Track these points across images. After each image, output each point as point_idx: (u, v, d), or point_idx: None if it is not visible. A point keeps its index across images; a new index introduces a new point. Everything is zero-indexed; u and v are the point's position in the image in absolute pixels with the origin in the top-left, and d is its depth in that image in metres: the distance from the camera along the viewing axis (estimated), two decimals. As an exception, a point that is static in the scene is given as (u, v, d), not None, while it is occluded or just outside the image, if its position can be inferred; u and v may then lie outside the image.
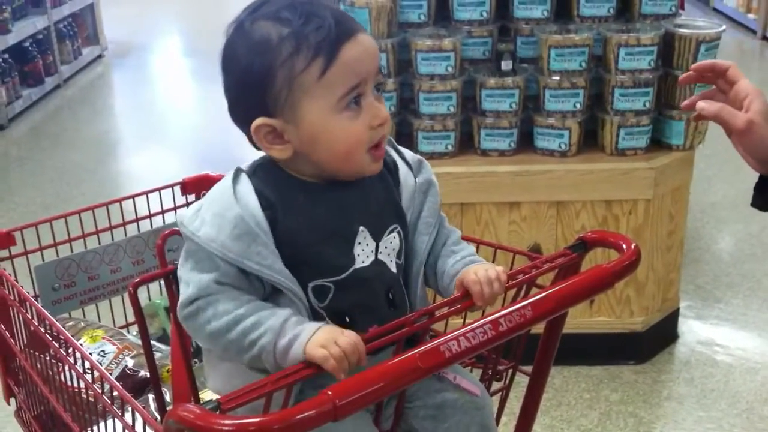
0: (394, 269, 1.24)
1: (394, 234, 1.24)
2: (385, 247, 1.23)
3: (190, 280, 1.16)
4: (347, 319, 1.19)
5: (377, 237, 1.22)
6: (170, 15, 9.02)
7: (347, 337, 1.04)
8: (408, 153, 1.32)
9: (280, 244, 1.16)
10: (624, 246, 1.20)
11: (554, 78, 2.63)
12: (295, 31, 1.15)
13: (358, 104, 1.17)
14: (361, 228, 1.20)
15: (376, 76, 1.19)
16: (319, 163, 1.19)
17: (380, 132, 1.19)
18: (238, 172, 1.21)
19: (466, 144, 2.76)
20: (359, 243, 1.20)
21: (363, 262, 1.20)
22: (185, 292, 1.16)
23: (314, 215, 1.19)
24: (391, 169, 1.28)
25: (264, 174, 1.21)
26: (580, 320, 2.74)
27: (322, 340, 1.05)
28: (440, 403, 1.25)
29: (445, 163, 2.70)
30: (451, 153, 2.72)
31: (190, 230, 1.16)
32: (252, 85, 1.17)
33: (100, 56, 7.38)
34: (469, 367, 1.38)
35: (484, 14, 2.70)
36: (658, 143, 2.75)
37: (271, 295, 1.17)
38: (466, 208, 2.69)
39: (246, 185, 1.18)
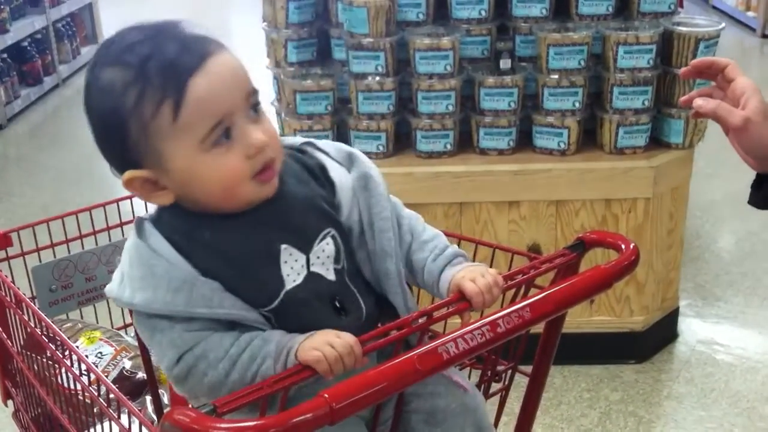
0: (331, 276, 1.16)
1: (327, 240, 1.16)
2: (317, 257, 1.15)
3: (162, 345, 1.10)
4: None
5: (305, 249, 1.15)
6: (169, 15, 9.00)
7: (342, 339, 1.03)
8: (334, 148, 1.23)
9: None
10: (623, 246, 1.20)
11: (553, 76, 2.62)
12: (137, 74, 1.05)
13: (228, 137, 1.07)
14: (283, 246, 1.13)
15: (246, 99, 1.09)
16: (204, 203, 1.11)
17: (261, 159, 1.09)
18: (140, 224, 1.14)
19: (465, 143, 2.75)
20: (285, 261, 1.13)
21: (294, 281, 1.13)
22: (166, 358, 1.11)
23: (226, 250, 1.11)
24: (315, 171, 1.21)
25: (169, 217, 1.13)
26: (579, 319, 2.73)
27: (315, 342, 1.03)
28: (431, 409, 1.22)
29: (444, 162, 2.69)
30: (450, 152, 2.71)
31: (125, 302, 1.11)
32: (109, 137, 1.09)
33: (98, 56, 7.37)
34: (468, 368, 1.38)
35: (483, 13, 2.69)
36: (657, 142, 2.74)
37: (232, 329, 1.11)
38: (465, 208, 2.68)
39: (155, 238, 1.11)
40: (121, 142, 1.08)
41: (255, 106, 1.11)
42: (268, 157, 1.10)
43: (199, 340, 1.09)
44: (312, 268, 1.15)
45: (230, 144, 1.08)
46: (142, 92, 1.05)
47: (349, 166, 1.22)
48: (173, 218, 1.13)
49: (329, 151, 1.23)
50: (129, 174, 1.10)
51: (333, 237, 1.17)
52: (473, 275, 1.15)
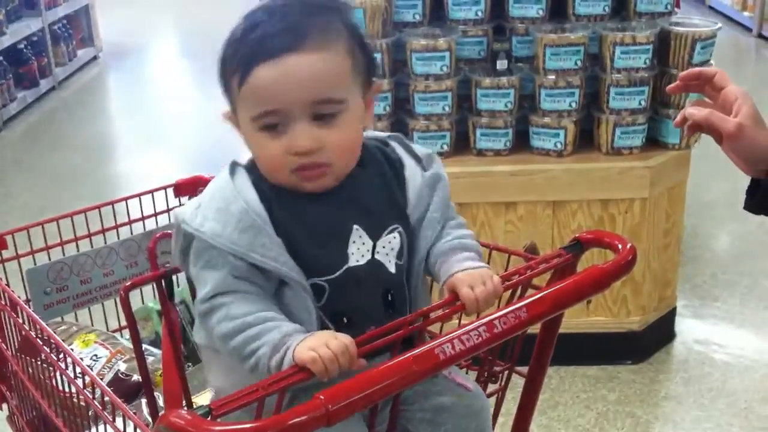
0: (392, 269, 1.21)
1: (395, 234, 1.21)
2: (383, 247, 1.20)
3: (206, 278, 1.15)
4: (345, 320, 1.17)
5: (374, 236, 1.19)
6: (166, 17, 9.01)
7: (338, 340, 1.03)
8: (419, 148, 1.29)
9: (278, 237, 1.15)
10: (620, 246, 1.19)
11: (550, 77, 2.62)
12: (243, 34, 1.15)
13: (277, 129, 1.14)
14: (355, 226, 1.18)
15: (310, 105, 1.13)
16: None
17: (299, 160, 1.14)
18: (234, 166, 1.20)
19: (462, 144, 2.75)
20: (354, 241, 1.18)
21: (357, 261, 1.18)
22: (201, 290, 1.15)
23: (306, 213, 1.17)
24: (396, 167, 1.26)
25: (260, 171, 1.20)
26: (576, 320, 2.73)
27: (311, 343, 1.04)
28: (437, 407, 1.23)
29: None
30: (447, 153, 2.71)
31: (193, 227, 1.15)
32: (219, 74, 1.20)
33: (95, 58, 7.36)
34: (465, 369, 1.37)
35: (479, 13, 2.69)
36: (654, 142, 2.74)
37: (280, 288, 1.16)
38: (463, 209, 2.67)
39: (244, 179, 1.17)
40: (222, 82, 1.19)
41: (321, 115, 1.14)
42: (313, 161, 1.15)
43: (235, 290, 1.13)
44: (376, 256, 1.19)
45: (277, 134, 1.15)
46: (234, 52, 1.15)
47: (427, 165, 1.27)
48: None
49: (414, 148, 1.29)
50: (224, 110, 1.22)
51: (400, 233, 1.22)
52: (473, 281, 1.15)
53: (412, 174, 1.25)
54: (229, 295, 1.13)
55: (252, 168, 1.20)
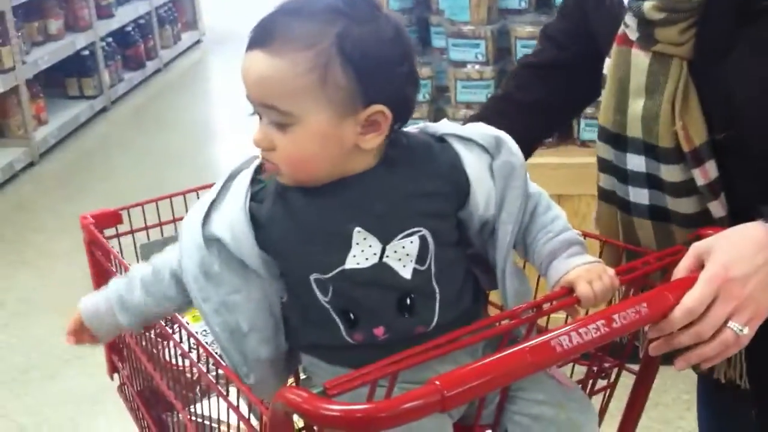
0: (407, 275, 1.14)
1: (413, 238, 1.14)
2: (395, 251, 1.13)
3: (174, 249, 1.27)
4: (351, 316, 1.15)
5: (384, 240, 1.13)
6: (268, 3, 9.15)
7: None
8: (480, 134, 1.19)
9: (265, 246, 1.17)
10: (744, 243, 1.15)
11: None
12: (273, 12, 1.16)
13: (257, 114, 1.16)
14: (357, 228, 1.13)
15: (260, 108, 1.13)
16: None
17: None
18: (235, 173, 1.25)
19: (565, 134, 2.71)
20: (357, 243, 1.13)
21: (358, 263, 1.13)
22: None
23: (304, 215, 1.15)
24: (443, 169, 1.17)
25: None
26: (679, 319, 2.65)
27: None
28: (536, 415, 1.18)
29: (541, 153, 2.64)
30: (547, 144, 2.67)
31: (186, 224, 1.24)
32: None
33: (198, 42, 7.56)
34: (573, 364, 1.35)
35: (589, 1, 2.63)
36: None
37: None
38: (563, 200, 2.63)
39: (234, 198, 1.20)
40: None
41: (273, 122, 1.13)
42: (265, 157, 1.16)
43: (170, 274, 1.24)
44: (385, 260, 1.14)
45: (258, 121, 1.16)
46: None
47: (495, 151, 1.19)
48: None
49: (474, 137, 1.19)
50: None
51: (422, 237, 1.15)
52: (590, 276, 1.11)
53: (477, 169, 1.17)
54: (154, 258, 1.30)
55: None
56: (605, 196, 1.40)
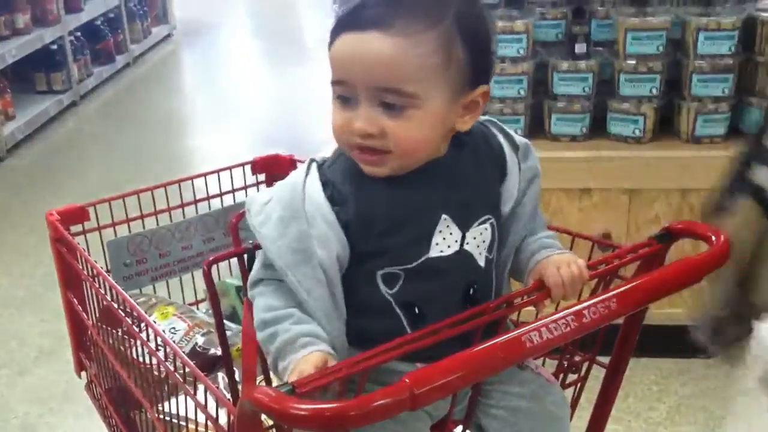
0: (482, 263, 1.16)
1: (486, 225, 1.16)
2: (474, 238, 1.15)
3: (256, 264, 1.17)
4: (416, 310, 1.13)
5: (464, 227, 1.14)
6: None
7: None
8: (516, 136, 1.23)
9: (348, 234, 1.11)
10: (713, 237, 1.15)
11: (630, 62, 2.56)
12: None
13: (347, 102, 1.10)
14: (444, 216, 1.13)
15: (373, 90, 1.07)
16: None
17: (359, 140, 1.09)
18: (310, 163, 1.17)
19: (537, 128, 2.70)
20: (440, 231, 1.12)
21: (442, 251, 1.12)
22: (252, 274, 1.18)
23: (390, 201, 1.12)
24: (497, 155, 1.20)
25: (347, 161, 1.15)
26: (651, 311, 2.66)
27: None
28: (513, 408, 1.19)
29: None
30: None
31: (254, 223, 1.14)
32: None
33: (169, 35, 7.48)
34: (544, 358, 1.35)
35: (559, -5, 2.64)
36: (736, 131, 2.65)
37: (349, 269, 1.14)
38: (535, 194, 2.64)
39: (314, 180, 1.13)
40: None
41: (387, 104, 1.07)
42: (372, 145, 1.09)
43: (273, 277, 1.12)
44: (465, 247, 1.14)
45: (348, 106, 1.10)
46: (341, 11, 1.11)
47: (523, 157, 1.21)
48: (352, 162, 1.14)
49: (514, 137, 1.22)
50: None
51: (492, 225, 1.17)
52: (559, 263, 1.13)
53: (512, 166, 1.20)
54: (265, 284, 1.14)
55: (338, 160, 1.16)
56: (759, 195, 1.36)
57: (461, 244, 1.14)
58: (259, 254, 1.17)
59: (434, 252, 1.13)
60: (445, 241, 1.13)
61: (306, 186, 1.13)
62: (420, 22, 1.06)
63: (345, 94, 1.10)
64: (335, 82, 1.10)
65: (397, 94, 1.07)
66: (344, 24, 1.09)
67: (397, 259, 1.12)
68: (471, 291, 1.16)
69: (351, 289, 1.14)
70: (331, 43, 1.10)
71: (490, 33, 1.13)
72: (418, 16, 1.06)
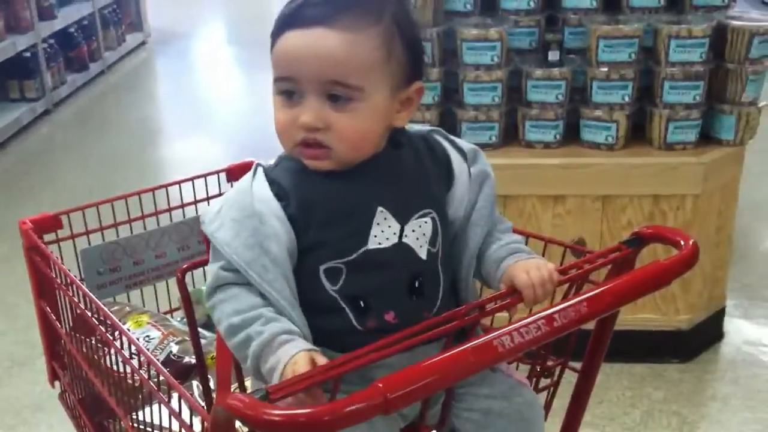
0: (423, 255, 1.18)
1: (426, 219, 1.19)
2: (413, 231, 1.17)
3: (211, 271, 1.17)
4: (361, 303, 1.16)
5: (402, 219, 1.17)
6: (213, 3, 9.07)
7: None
8: (462, 142, 1.28)
9: (294, 229, 1.14)
10: (682, 242, 1.17)
11: (602, 69, 2.58)
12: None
13: (291, 97, 1.14)
14: (380, 208, 1.16)
15: (321, 83, 1.11)
16: None
17: (304, 134, 1.13)
18: (256, 168, 1.20)
19: (511, 135, 2.72)
20: (378, 224, 1.15)
21: (380, 243, 1.15)
22: (207, 285, 1.17)
23: (327, 194, 1.15)
24: (440, 159, 1.24)
25: (289, 162, 1.19)
26: (624, 317, 2.64)
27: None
28: (486, 410, 1.21)
29: (489, 155, 2.56)
30: (495, 144, 2.68)
31: (209, 231, 1.16)
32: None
33: (143, 43, 7.45)
34: (517, 363, 1.36)
35: (532, 4, 2.66)
36: (707, 138, 2.69)
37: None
38: (509, 201, 2.65)
39: (261, 182, 1.16)
40: (270, 41, 1.18)
41: (335, 96, 1.12)
42: (316, 139, 1.13)
43: (231, 282, 1.13)
44: (404, 240, 1.17)
45: (292, 103, 1.14)
46: (283, 12, 1.15)
47: (471, 161, 1.25)
48: (294, 162, 1.18)
49: (458, 142, 1.26)
50: None
51: (433, 219, 1.19)
52: (528, 267, 1.14)
53: (459, 169, 1.24)
54: (223, 290, 1.14)
55: (281, 162, 1.19)
56: None
57: (400, 237, 1.17)
58: (210, 265, 1.17)
59: (372, 244, 1.15)
60: (383, 233, 1.16)
61: (253, 187, 1.16)
62: (363, 19, 1.12)
63: (289, 88, 1.14)
64: (281, 79, 1.14)
65: (344, 87, 1.12)
66: (288, 23, 1.13)
67: (336, 251, 1.15)
68: (416, 284, 1.18)
69: (299, 289, 1.16)
70: (274, 42, 1.15)
71: (420, 33, 1.21)
72: (361, 14, 1.12)
